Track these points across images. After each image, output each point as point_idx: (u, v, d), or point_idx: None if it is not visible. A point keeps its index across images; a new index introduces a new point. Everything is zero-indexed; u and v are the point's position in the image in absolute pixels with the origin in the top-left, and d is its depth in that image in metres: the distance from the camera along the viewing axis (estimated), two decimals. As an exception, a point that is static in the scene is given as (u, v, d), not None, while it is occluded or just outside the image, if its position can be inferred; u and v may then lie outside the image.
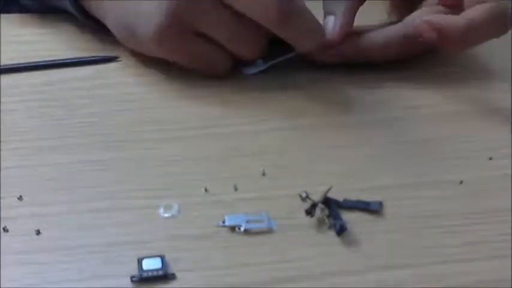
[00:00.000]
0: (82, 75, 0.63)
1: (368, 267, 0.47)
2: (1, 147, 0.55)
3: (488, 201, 0.52)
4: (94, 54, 0.64)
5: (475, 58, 0.67)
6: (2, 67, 0.62)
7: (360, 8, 0.63)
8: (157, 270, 0.46)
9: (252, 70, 0.64)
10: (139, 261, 0.46)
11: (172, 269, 0.46)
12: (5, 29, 0.67)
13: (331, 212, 0.50)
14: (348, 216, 0.50)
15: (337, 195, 0.51)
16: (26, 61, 0.63)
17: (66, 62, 0.64)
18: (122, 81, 0.62)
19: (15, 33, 0.67)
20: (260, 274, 0.47)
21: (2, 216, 0.49)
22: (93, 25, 0.65)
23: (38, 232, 0.48)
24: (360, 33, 0.63)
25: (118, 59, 0.64)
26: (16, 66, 0.63)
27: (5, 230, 0.48)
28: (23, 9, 0.70)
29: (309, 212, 0.50)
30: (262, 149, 0.56)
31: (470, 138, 0.58)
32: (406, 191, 0.53)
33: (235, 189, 0.52)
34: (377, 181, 0.54)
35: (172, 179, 0.53)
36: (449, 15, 0.61)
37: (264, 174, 0.54)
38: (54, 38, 0.67)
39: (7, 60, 0.63)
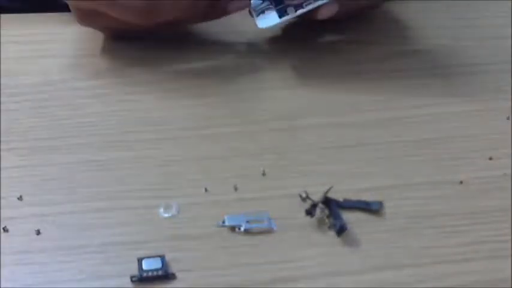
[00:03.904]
0: (82, 75, 0.63)
1: (368, 267, 0.47)
2: (1, 147, 0.55)
3: (488, 201, 0.52)
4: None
5: (475, 58, 0.67)
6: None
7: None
8: (157, 270, 0.46)
9: (265, 23, 0.62)
10: (139, 261, 0.46)
11: (172, 269, 0.46)
12: (5, 29, 0.67)
13: (331, 212, 0.50)
14: (348, 216, 0.50)
15: (337, 195, 0.51)
16: (26, 61, 0.63)
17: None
18: (121, 81, 0.62)
19: (15, 33, 0.67)
20: (260, 274, 0.47)
21: (2, 216, 0.49)
22: None
23: (38, 232, 0.48)
24: None
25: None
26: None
27: (5, 230, 0.48)
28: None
29: (309, 212, 0.50)
30: (262, 149, 0.56)
31: (470, 138, 0.58)
32: (406, 191, 0.53)
33: (235, 189, 0.52)
34: (377, 181, 0.54)
35: (172, 179, 0.53)
36: None
37: (264, 174, 0.54)
38: (55, 38, 0.67)
39: (7, 60, 0.63)
